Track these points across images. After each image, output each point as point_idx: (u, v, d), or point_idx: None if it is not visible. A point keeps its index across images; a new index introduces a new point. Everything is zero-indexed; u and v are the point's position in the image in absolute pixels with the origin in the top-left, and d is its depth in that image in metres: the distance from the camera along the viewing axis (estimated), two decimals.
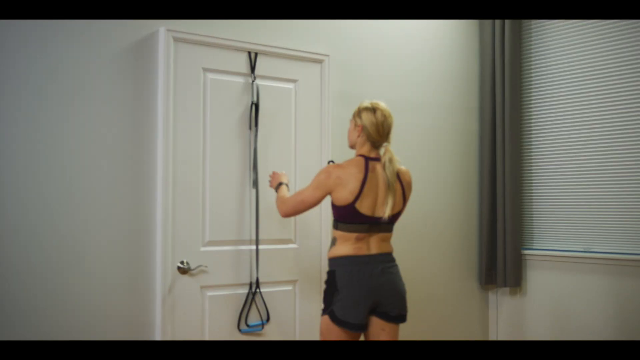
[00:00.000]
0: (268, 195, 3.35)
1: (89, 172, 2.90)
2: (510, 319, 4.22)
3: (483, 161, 4.21)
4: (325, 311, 2.81)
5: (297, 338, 3.40)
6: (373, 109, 2.80)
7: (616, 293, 3.71)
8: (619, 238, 3.74)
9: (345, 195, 2.73)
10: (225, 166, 3.25)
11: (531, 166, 4.17)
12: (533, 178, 4.16)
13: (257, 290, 3.29)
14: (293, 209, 2.88)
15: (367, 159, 2.79)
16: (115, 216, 2.96)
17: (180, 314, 3.08)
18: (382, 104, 2.84)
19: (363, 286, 2.73)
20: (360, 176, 2.73)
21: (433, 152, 4.08)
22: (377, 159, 2.81)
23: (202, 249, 3.17)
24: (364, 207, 2.74)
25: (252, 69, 3.33)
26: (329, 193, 2.80)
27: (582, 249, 3.91)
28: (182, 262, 3.10)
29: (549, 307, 4.02)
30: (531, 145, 4.17)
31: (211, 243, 3.19)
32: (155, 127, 3.07)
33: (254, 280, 3.28)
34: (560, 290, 3.97)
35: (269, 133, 3.35)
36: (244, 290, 3.27)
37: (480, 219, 4.25)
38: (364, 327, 2.78)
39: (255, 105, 3.31)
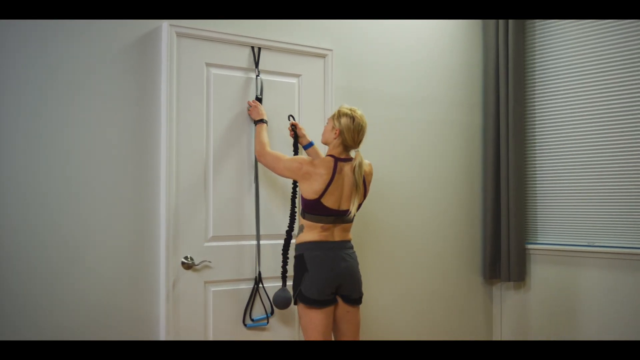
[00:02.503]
0: (271, 190, 3.35)
1: (91, 169, 2.90)
2: (514, 314, 4.22)
3: (487, 156, 4.20)
4: (295, 294, 3.01)
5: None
6: (352, 117, 3.00)
7: (620, 288, 3.71)
8: (623, 232, 3.74)
9: (310, 192, 2.97)
10: (228, 161, 3.25)
11: (535, 161, 4.16)
12: (537, 172, 4.15)
13: (261, 284, 3.30)
14: (266, 164, 3.12)
15: (337, 160, 3.01)
16: (118, 213, 2.96)
17: (184, 309, 3.09)
18: (359, 112, 3.04)
19: (329, 268, 2.97)
20: (327, 177, 2.96)
21: (437, 147, 4.07)
22: (347, 160, 3.03)
23: (206, 244, 3.17)
24: (329, 202, 2.98)
25: (256, 64, 3.32)
26: (296, 180, 3.08)
27: (586, 244, 3.90)
28: (186, 258, 3.11)
29: (553, 301, 4.02)
30: (535, 140, 4.16)
31: (215, 238, 3.20)
32: (159, 123, 3.06)
33: (257, 275, 3.29)
34: (564, 285, 3.96)
35: (273, 128, 3.35)
36: (248, 285, 3.28)
37: (484, 214, 4.25)
38: (328, 302, 2.98)
39: (259, 100, 3.31)
